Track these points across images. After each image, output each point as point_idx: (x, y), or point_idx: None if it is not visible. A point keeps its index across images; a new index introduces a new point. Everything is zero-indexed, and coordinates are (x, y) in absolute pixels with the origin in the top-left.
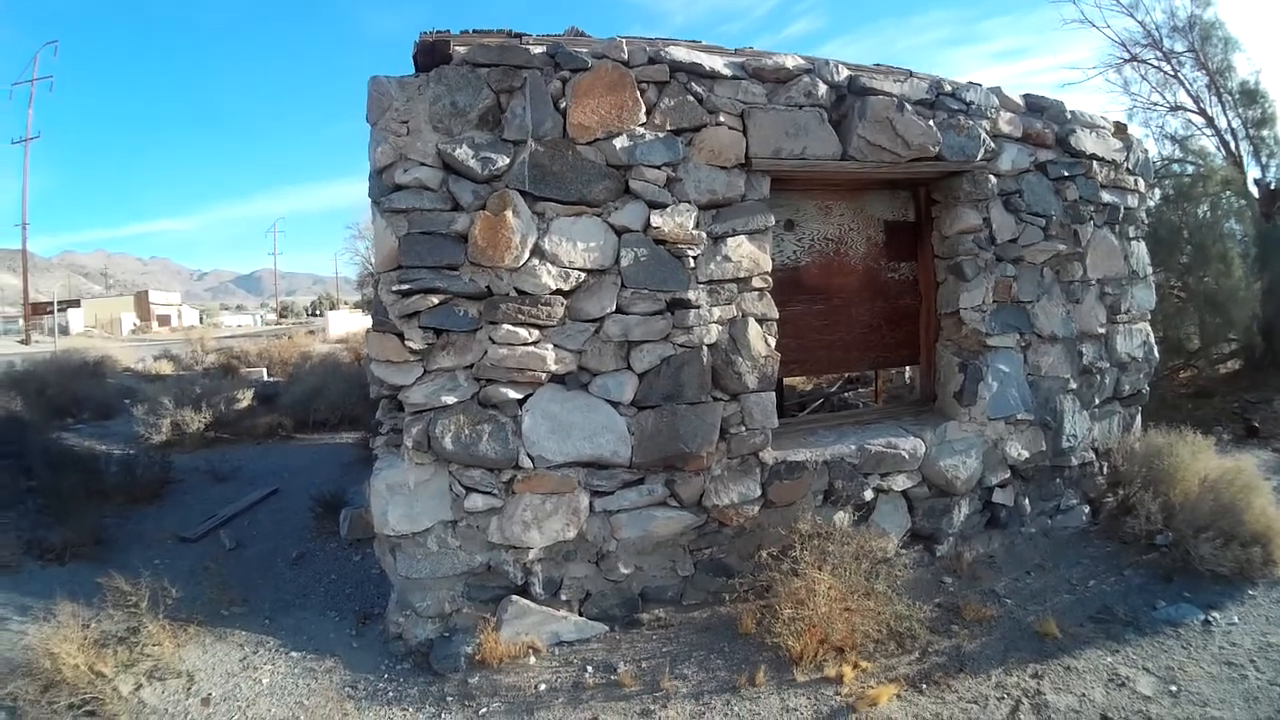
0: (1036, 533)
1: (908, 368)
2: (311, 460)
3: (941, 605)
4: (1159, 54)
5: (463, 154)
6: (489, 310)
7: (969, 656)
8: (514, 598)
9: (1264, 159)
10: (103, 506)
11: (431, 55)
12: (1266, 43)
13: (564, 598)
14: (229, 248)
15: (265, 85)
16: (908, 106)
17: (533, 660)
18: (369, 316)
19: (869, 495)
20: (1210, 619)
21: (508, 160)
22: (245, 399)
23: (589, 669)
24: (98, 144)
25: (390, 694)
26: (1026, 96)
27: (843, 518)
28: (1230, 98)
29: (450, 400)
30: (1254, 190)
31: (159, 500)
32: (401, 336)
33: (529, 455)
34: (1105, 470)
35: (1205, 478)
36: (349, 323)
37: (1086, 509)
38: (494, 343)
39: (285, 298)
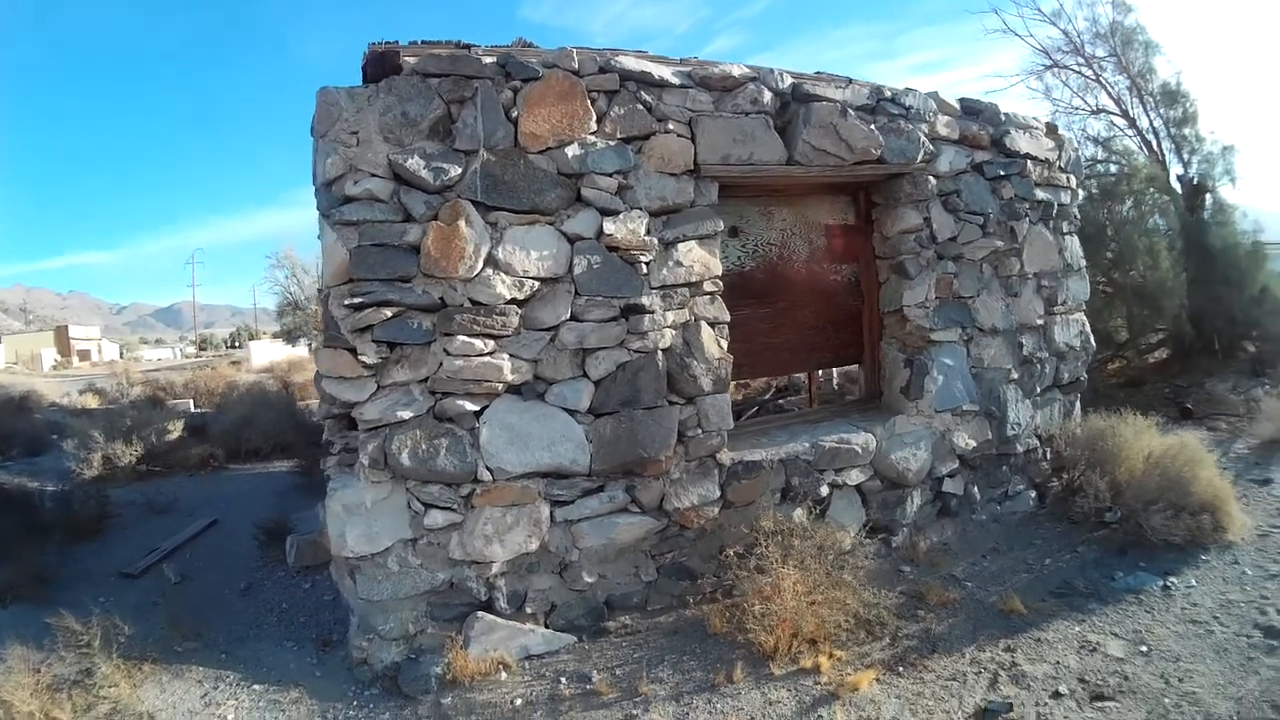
0: (987, 519)
1: (835, 371)
2: (247, 489)
3: (904, 593)
4: (1081, 60)
5: (414, 164)
6: (443, 322)
7: (940, 638)
8: (480, 614)
9: (1185, 156)
10: (41, 545)
11: (381, 65)
12: (1186, 44)
13: (529, 610)
14: (148, 281)
15: (187, 114)
16: (850, 112)
17: (504, 676)
18: (290, 345)
19: (825, 491)
20: (1169, 584)
21: (460, 170)
22: (176, 430)
23: (563, 680)
24: (13, 176)
25: None
26: (962, 100)
27: (801, 514)
28: (1151, 99)
29: (406, 415)
30: (1177, 186)
31: (98, 536)
32: (354, 351)
33: (488, 468)
34: (1049, 456)
35: (1150, 454)
36: (271, 352)
37: (1033, 494)
38: (449, 354)
39: (204, 330)
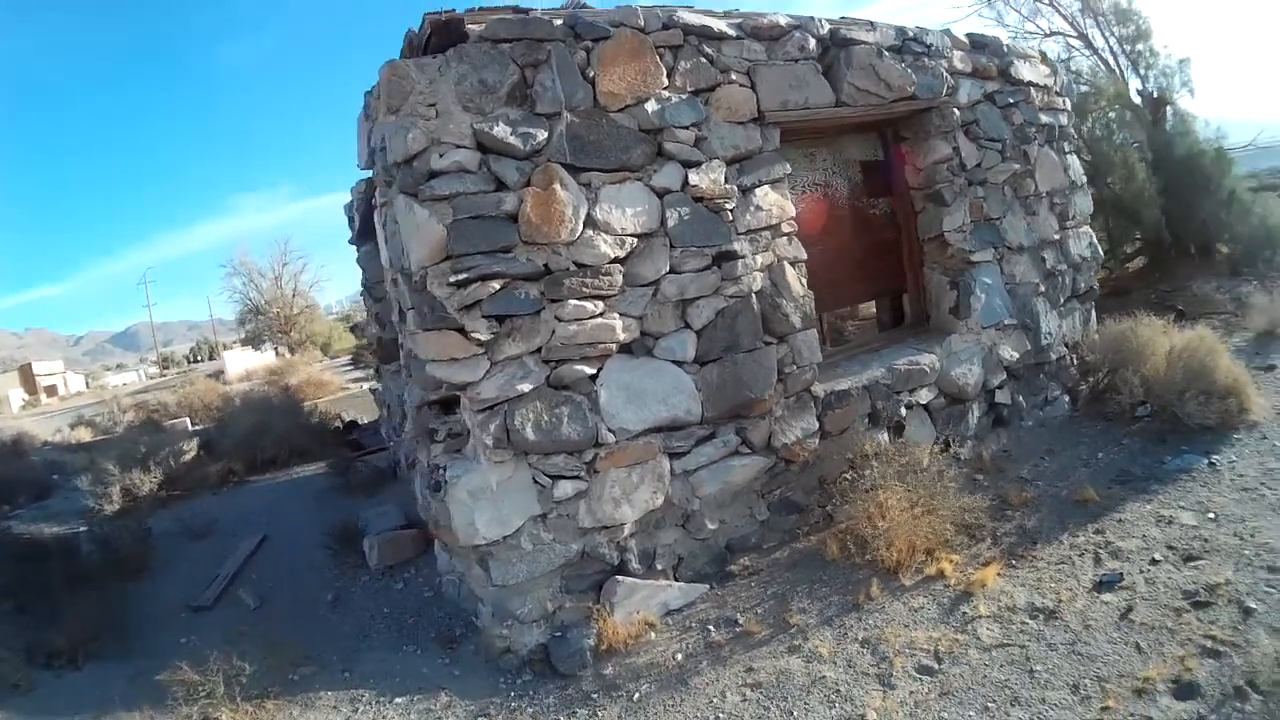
0: (1033, 425)
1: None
2: (280, 499)
3: (987, 498)
4: None
5: (501, 131)
6: (551, 288)
7: (1035, 532)
8: (618, 578)
9: (1142, 71)
10: (88, 592)
11: (446, 34)
12: None
13: (659, 567)
14: (101, 308)
15: (114, 135)
16: (884, 53)
17: (653, 635)
18: (256, 351)
19: (903, 412)
20: (1213, 461)
21: (545, 134)
22: (191, 450)
23: (711, 628)
24: None
25: (528, 710)
26: (970, 35)
27: (884, 437)
28: (1104, 19)
29: (525, 388)
30: (1138, 100)
31: (144, 572)
32: (462, 330)
33: (610, 429)
34: (1075, 362)
35: (1172, 349)
36: (245, 360)
37: (1067, 398)
38: (561, 321)
39: (163, 348)
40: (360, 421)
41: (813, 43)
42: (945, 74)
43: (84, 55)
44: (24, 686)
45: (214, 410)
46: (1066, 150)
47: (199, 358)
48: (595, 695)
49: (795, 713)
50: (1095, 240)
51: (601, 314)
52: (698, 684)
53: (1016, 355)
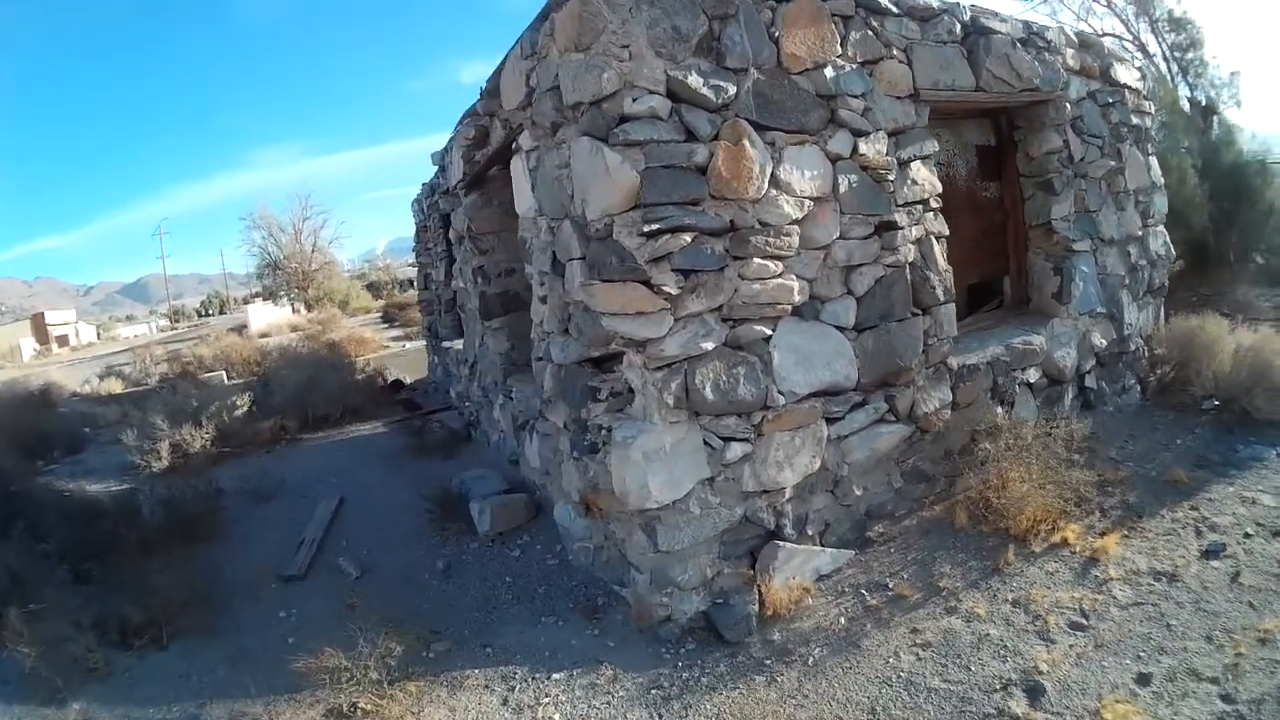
0: (1113, 410)
1: None
2: (347, 460)
3: (1091, 474)
4: None
5: (695, 81)
6: (737, 245)
7: (1136, 506)
8: (779, 543)
9: (1192, 79)
10: (155, 559)
11: None
12: None
13: (810, 532)
14: (112, 258)
15: (130, 85)
16: (1017, 43)
17: (810, 600)
18: (276, 305)
19: (1016, 389)
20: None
21: (734, 89)
22: (243, 405)
23: (864, 593)
24: None
25: (704, 680)
26: (1079, 34)
27: (999, 411)
28: (1159, 24)
29: (708, 346)
30: (1186, 107)
31: (214, 537)
32: (648, 283)
33: (780, 391)
34: (1147, 354)
35: (1239, 348)
36: (268, 315)
37: (1139, 387)
38: (744, 279)
39: (174, 301)
40: (405, 380)
41: (958, 27)
42: (1061, 69)
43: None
44: (101, 671)
45: (253, 365)
46: (1150, 151)
47: (210, 311)
48: (768, 661)
49: (972, 667)
50: (1168, 239)
51: (780, 274)
52: (868, 646)
53: (1105, 343)
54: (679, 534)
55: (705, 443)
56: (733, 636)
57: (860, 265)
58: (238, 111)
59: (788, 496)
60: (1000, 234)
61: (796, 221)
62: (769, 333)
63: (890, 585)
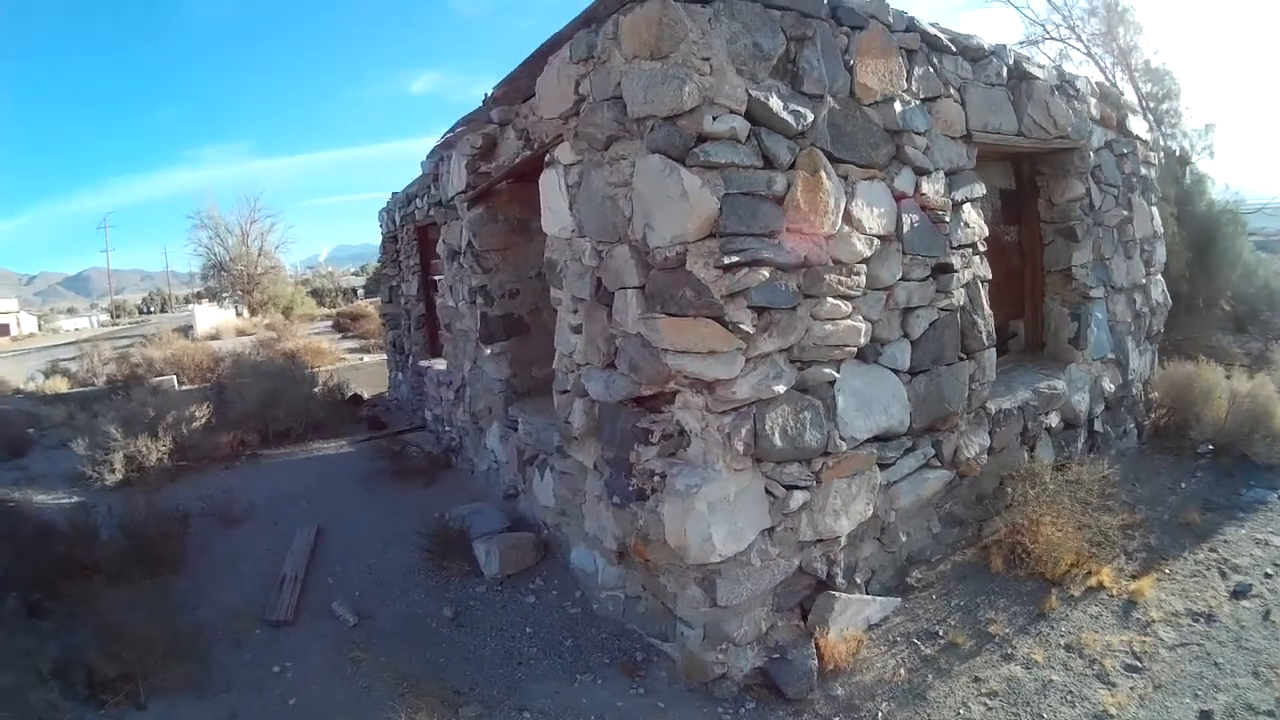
0: (1115, 454)
1: None
2: (317, 481)
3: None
4: (1069, 32)
5: (775, 104)
6: (810, 282)
7: (1157, 549)
8: (833, 593)
9: (1165, 129)
10: (111, 589)
11: None
12: (1171, 25)
13: (858, 580)
14: (55, 249)
15: (81, 72)
16: (1054, 90)
17: (864, 652)
18: (220, 308)
19: (1041, 433)
20: None
21: (811, 116)
22: (202, 416)
23: (916, 641)
24: None
25: None
26: (1100, 84)
27: (1026, 456)
28: (1137, 74)
29: (780, 389)
30: (1162, 158)
31: (180, 565)
32: (720, 319)
33: (841, 437)
34: (1144, 398)
35: (1234, 394)
36: (214, 317)
37: (1136, 431)
38: (815, 319)
39: (116, 296)
40: (364, 395)
41: (1004, 70)
42: (1086, 118)
43: None
44: None
45: (205, 371)
46: (1153, 202)
47: (151, 309)
48: (836, 719)
49: (1044, 714)
50: (1165, 288)
51: (849, 315)
52: (934, 698)
53: (1113, 388)
54: (738, 588)
55: (767, 491)
56: (794, 693)
57: (918, 308)
58: (184, 105)
59: (842, 545)
60: (1018, 278)
61: (865, 260)
62: (835, 375)
63: (941, 633)
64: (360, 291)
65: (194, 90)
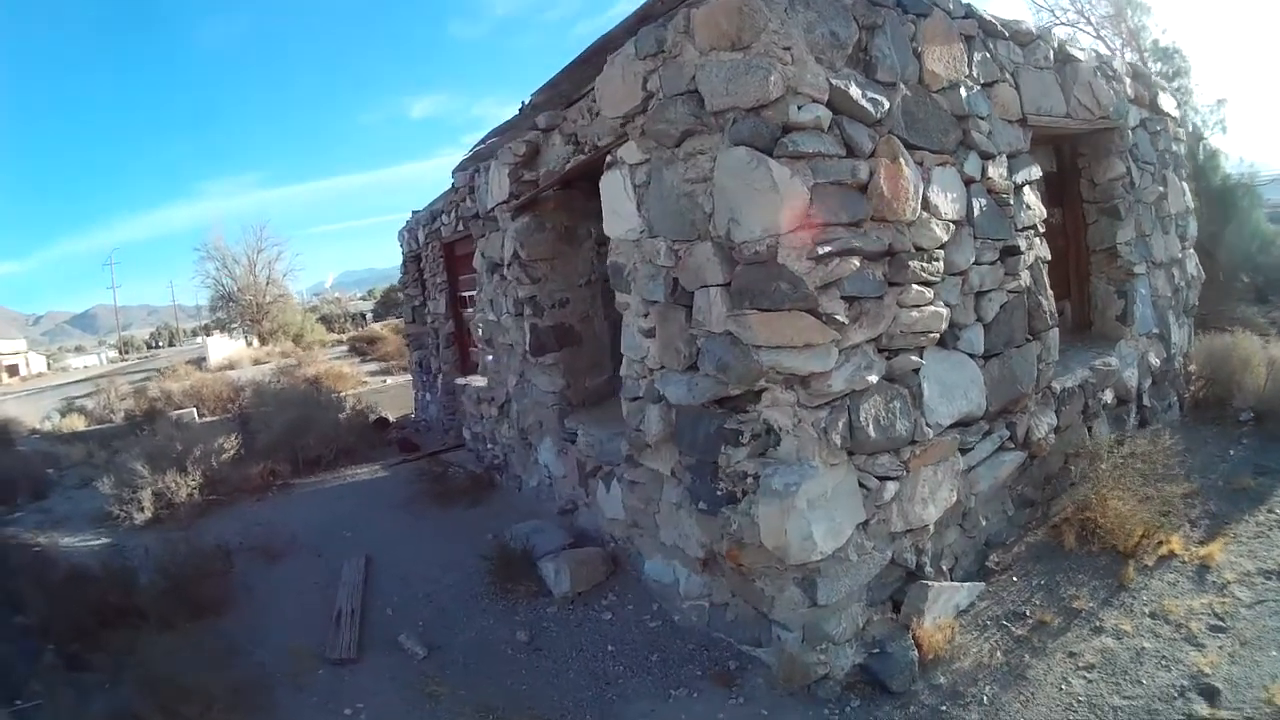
0: (1162, 426)
1: None
2: (356, 509)
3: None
4: (1080, 17)
5: (855, 92)
6: (895, 270)
7: (1218, 514)
8: (925, 583)
9: (1178, 106)
10: (155, 636)
11: None
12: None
13: (944, 568)
14: (61, 287)
15: (88, 106)
16: (1096, 71)
17: (958, 638)
18: (231, 339)
19: (1099, 410)
20: None
21: (887, 104)
22: (231, 448)
23: (1005, 624)
24: None
25: None
26: (1132, 64)
27: (1086, 433)
28: (1146, 54)
29: (872, 379)
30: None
31: (226, 607)
32: (814, 311)
33: (928, 424)
34: (1184, 371)
35: (1274, 360)
36: (227, 348)
37: (1178, 403)
38: (901, 306)
39: (124, 333)
40: (390, 418)
41: (1051, 54)
42: (1124, 98)
43: (53, 25)
44: None
45: (226, 402)
46: (1184, 178)
47: (159, 343)
48: (944, 707)
49: (1143, 680)
50: (1199, 261)
51: (932, 301)
52: (1035, 676)
53: (1158, 362)
54: (837, 585)
55: (860, 484)
56: (898, 686)
57: (989, 291)
58: (189, 140)
59: (930, 533)
60: (1062, 259)
61: (942, 246)
62: (921, 363)
63: (1028, 613)
64: (369, 316)
65: (200, 122)
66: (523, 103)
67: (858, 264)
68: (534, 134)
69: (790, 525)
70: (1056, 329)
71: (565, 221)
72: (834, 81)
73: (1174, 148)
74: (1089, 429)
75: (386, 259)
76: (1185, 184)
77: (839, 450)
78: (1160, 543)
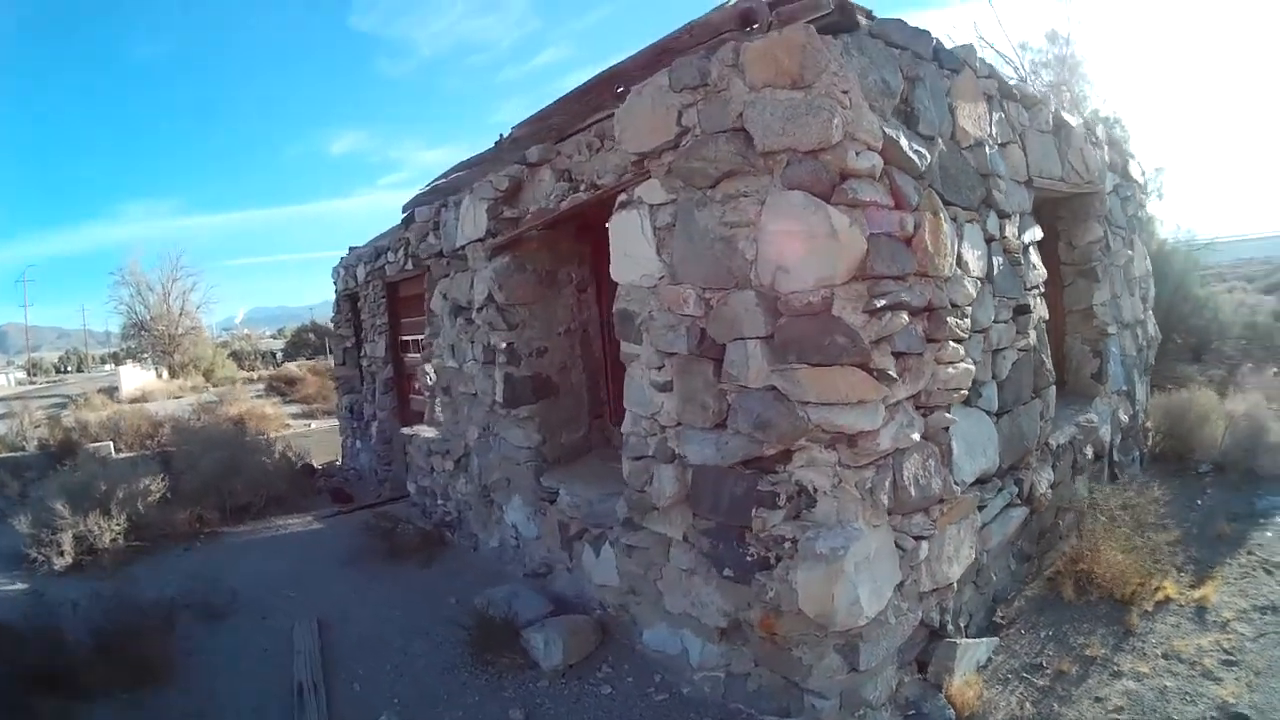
0: (1127, 479)
1: None
2: (298, 563)
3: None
4: (1025, 84)
5: (904, 143)
6: (934, 326)
7: (1202, 560)
8: (954, 641)
9: None
10: (88, 706)
11: (845, 16)
12: (1119, 73)
13: (961, 624)
14: None
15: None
16: (1085, 138)
17: (986, 694)
18: (144, 369)
19: (1084, 465)
20: None
21: (929, 157)
22: (157, 490)
23: (1025, 675)
24: None
25: None
26: (1108, 132)
27: (1074, 486)
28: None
29: (915, 437)
30: None
31: (169, 674)
32: (866, 367)
33: (955, 482)
34: (1144, 426)
35: (1231, 415)
36: (139, 379)
37: (1137, 457)
38: (939, 363)
39: (33, 354)
40: (315, 465)
41: (1050, 118)
42: (1103, 163)
43: None
44: None
45: (144, 437)
46: (1146, 242)
47: (69, 368)
48: None
49: (1174, 716)
50: (1154, 322)
51: (964, 358)
52: None
53: (1126, 418)
54: (877, 649)
55: (896, 545)
56: None
57: (1004, 349)
58: (107, 160)
59: (954, 591)
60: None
61: (971, 303)
62: (954, 420)
63: (1044, 664)
64: (279, 355)
65: (120, 140)
66: (500, 135)
67: (906, 319)
68: (518, 168)
69: (838, 590)
70: (1054, 387)
71: (547, 264)
72: (887, 131)
73: (1140, 213)
74: (1072, 482)
75: (298, 297)
76: (1145, 248)
77: (882, 511)
78: (1156, 588)
